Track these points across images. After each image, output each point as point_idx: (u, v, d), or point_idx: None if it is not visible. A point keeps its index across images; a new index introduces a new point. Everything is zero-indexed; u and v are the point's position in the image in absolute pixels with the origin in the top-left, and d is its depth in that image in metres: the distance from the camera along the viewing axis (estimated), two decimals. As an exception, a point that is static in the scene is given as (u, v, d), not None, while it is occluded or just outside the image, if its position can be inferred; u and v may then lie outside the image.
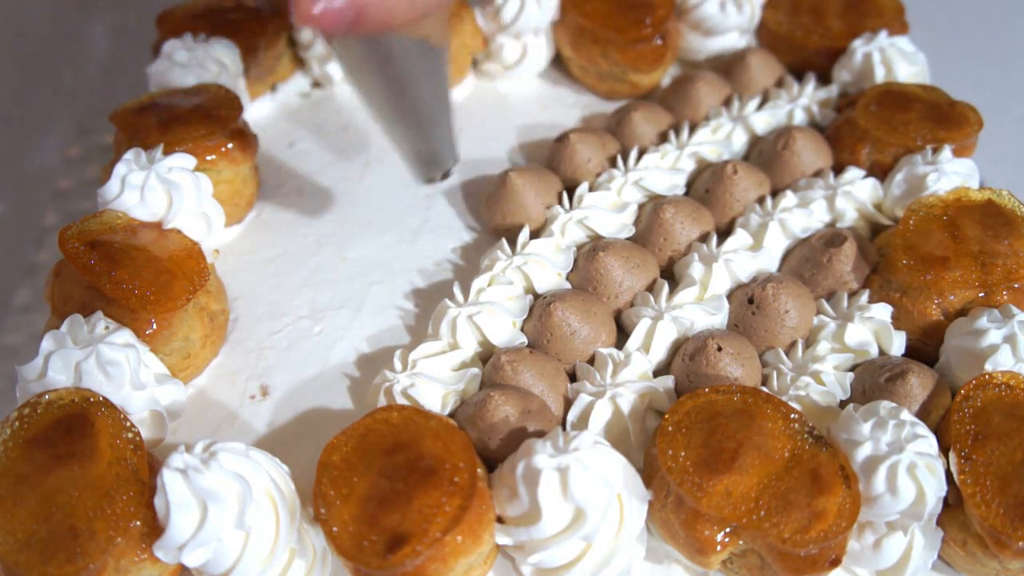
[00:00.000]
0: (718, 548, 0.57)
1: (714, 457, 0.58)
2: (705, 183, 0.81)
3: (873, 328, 0.70)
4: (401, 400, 0.66)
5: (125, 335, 0.65)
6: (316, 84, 0.98)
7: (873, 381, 0.66)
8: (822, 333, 0.70)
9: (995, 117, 0.84)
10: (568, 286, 0.75)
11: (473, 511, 0.55)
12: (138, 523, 0.55)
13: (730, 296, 0.74)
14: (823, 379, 0.67)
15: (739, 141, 0.87)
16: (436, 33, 0.56)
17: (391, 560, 0.52)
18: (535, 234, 0.78)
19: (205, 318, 0.72)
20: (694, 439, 0.59)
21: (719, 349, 0.67)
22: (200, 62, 0.86)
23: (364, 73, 0.58)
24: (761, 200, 0.80)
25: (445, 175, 0.69)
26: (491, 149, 0.91)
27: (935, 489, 0.57)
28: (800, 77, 0.93)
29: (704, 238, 0.77)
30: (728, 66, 0.93)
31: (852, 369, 0.69)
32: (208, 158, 0.78)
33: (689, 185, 0.83)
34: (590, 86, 0.96)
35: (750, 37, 0.99)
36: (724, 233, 0.78)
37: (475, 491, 0.56)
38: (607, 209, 0.79)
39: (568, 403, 0.67)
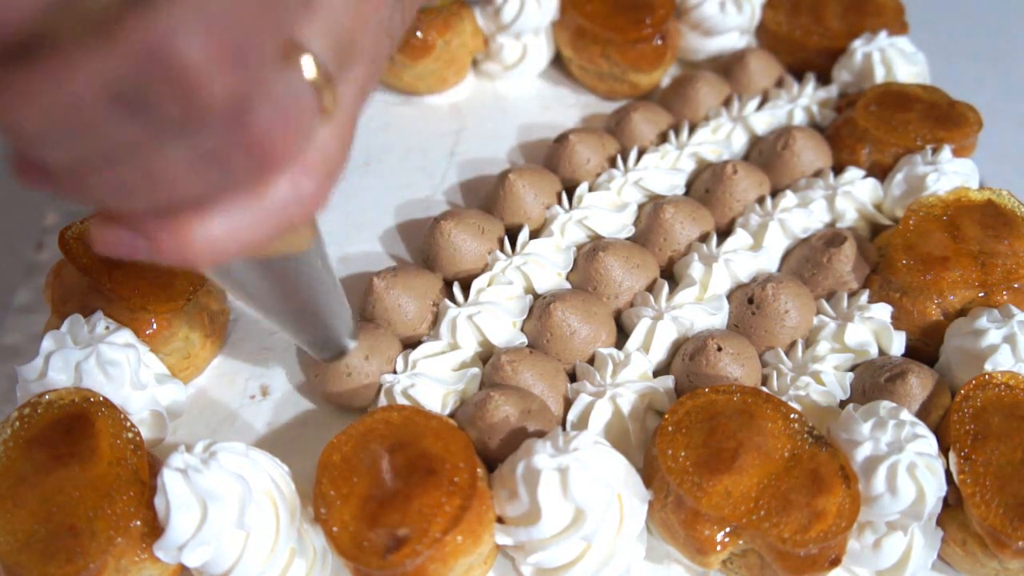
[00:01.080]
0: (718, 548, 0.57)
1: (714, 457, 0.58)
2: (705, 183, 0.81)
3: (873, 328, 0.70)
4: (401, 400, 0.66)
5: (125, 335, 0.65)
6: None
7: (873, 381, 0.66)
8: (822, 333, 0.70)
9: (995, 117, 0.84)
10: (568, 286, 0.75)
11: (473, 511, 0.55)
12: (138, 523, 0.55)
13: (730, 296, 0.74)
14: (823, 379, 0.67)
15: (739, 141, 0.87)
16: (287, 247, 0.47)
17: (391, 560, 0.52)
18: (535, 234, 0.78)
19: (205, 318, 0.72)
20: (694, 439, 0.59)
21: (719, 349, 0.67)
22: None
23: (219, 281, 0.51)
24: (761, 200, 0.80)
25: (343, 352, 0.63)
26: (491, 149, 0.91)
27: (935, 489, 0.57)
28: (800, 77, 0.93)
29: (704, 238, 0.77)
30: (728, 66, 0.93)
31: (852, 369, 0.69)
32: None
33: (689, 185, 0.83)
34: (590, 86, 0.96)
35: (750, 37, 0.98)
36: (724, 233, 0.78)
37: (475, 491, 0.56)
38: (607, 209, 0.78)
39: (568, 403, 0.67)
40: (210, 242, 0.37)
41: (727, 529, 0.57)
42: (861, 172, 0.81)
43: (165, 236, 0.37)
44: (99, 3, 0.29)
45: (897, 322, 0.71)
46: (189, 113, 0.31)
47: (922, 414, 0.64)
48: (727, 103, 0.90)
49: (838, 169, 0.82)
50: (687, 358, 0.68)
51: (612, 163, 0.84)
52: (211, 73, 0.30)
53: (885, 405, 0.61)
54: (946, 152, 0.78)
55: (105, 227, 0.37)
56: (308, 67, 0.36)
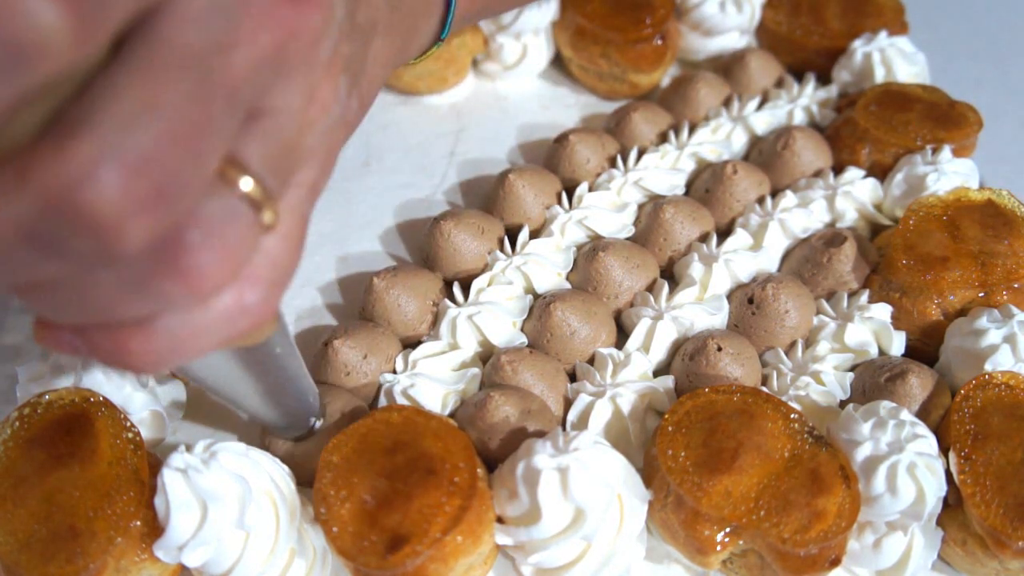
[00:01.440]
0: (718, 548, 0.57)
1: (714, 457, 0.58)
2: (705, 183, 0.81)
3: (873, 328, 0.70)
4: (401, 400, 0.66)
5: (125, 335, 0.65)
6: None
7: (873, 381, 0.66)
8: (822, 333, 0.70)
9: (995, 117, 0.84)
10: (568, 286, 0.75)
11: (473, 511, 0.55)
12: (138, 523, 0.55)
13: (730, 296, 0.74)
14: (823, 379, 0.67)
15: (739, 141, 0.87)
16: (242, 342, 0.44)
17: (391, 560, 0.52)
18: (535, 234, 0.78)
19: (205, 318, 0.71)
20: (694, 439, 0.59)
21: (719, 349, 0.67)
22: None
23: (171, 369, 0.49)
24: (761, 200, 0.80)
25: (311, 431, 0.63)
26: (491, 149, 0.91)
27: (935, 489, 0.57)
28: (800, 77, 0.93)
29: (704, 238, 0.77)
30: (728, 66, 0.93)
31: (852, 369, 0.69)
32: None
33: (689, 185, 0.83)
34: (590, 86, 0.96)
35: (750, 37, 0.99)
36: (724, 233, 0.78)
37: (475, 491, 0.56)
38: (607, 209, 0.78)
39: (568, 403, 0.67)
40: (151, 353, 0.36)
41: (727, 529, 0.57)
42: (861, 172, 0.81)
43: (106, 345, 0.35)
44: (15, 136, 0.27)
45: (897, 322, 0.71)
46: (105, 256, 0.29)
47: (922, 414, 0.64)
48: (727, 103, 0.90)
49: (838, 169, 0.82)
50: (687, 358, 0.68)
51: (612, 163, 0.84)
52: (127, 217, 0.28)
53: (885, 405, 0.61)
54: (946, 152, 0.78)
55: (46, 322, 0.36)
56: (246, 186, 0.33)
